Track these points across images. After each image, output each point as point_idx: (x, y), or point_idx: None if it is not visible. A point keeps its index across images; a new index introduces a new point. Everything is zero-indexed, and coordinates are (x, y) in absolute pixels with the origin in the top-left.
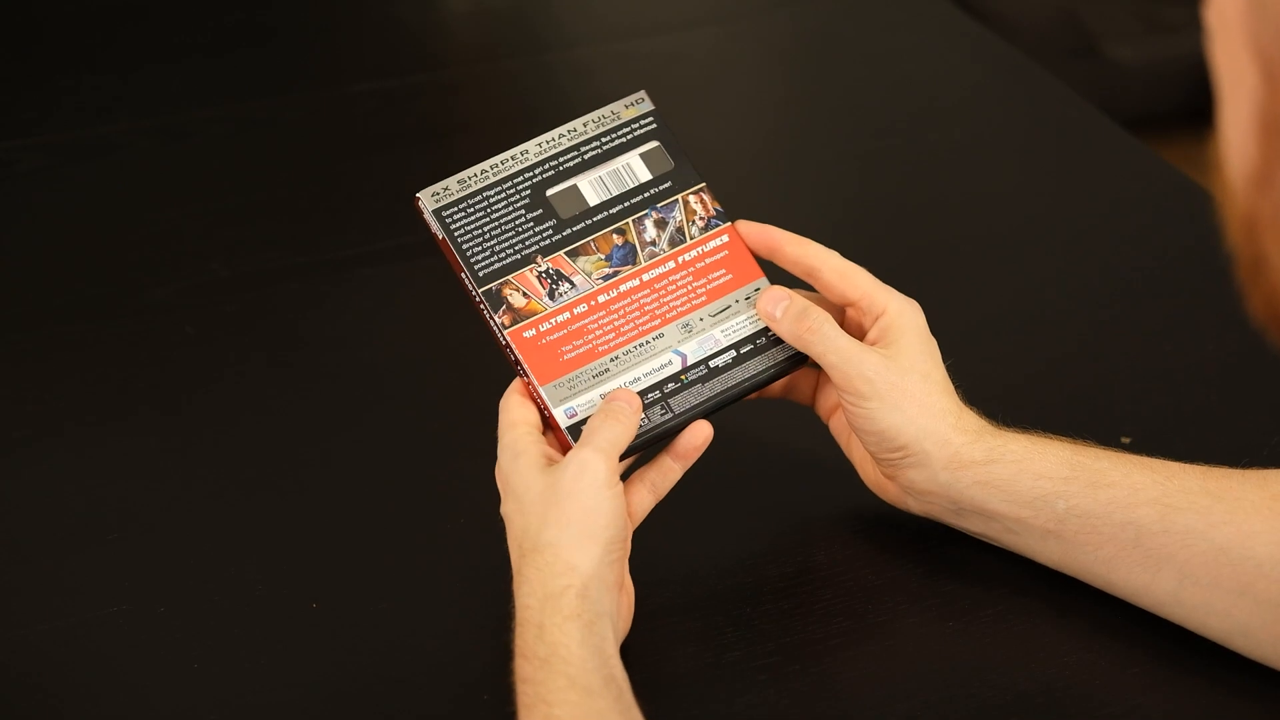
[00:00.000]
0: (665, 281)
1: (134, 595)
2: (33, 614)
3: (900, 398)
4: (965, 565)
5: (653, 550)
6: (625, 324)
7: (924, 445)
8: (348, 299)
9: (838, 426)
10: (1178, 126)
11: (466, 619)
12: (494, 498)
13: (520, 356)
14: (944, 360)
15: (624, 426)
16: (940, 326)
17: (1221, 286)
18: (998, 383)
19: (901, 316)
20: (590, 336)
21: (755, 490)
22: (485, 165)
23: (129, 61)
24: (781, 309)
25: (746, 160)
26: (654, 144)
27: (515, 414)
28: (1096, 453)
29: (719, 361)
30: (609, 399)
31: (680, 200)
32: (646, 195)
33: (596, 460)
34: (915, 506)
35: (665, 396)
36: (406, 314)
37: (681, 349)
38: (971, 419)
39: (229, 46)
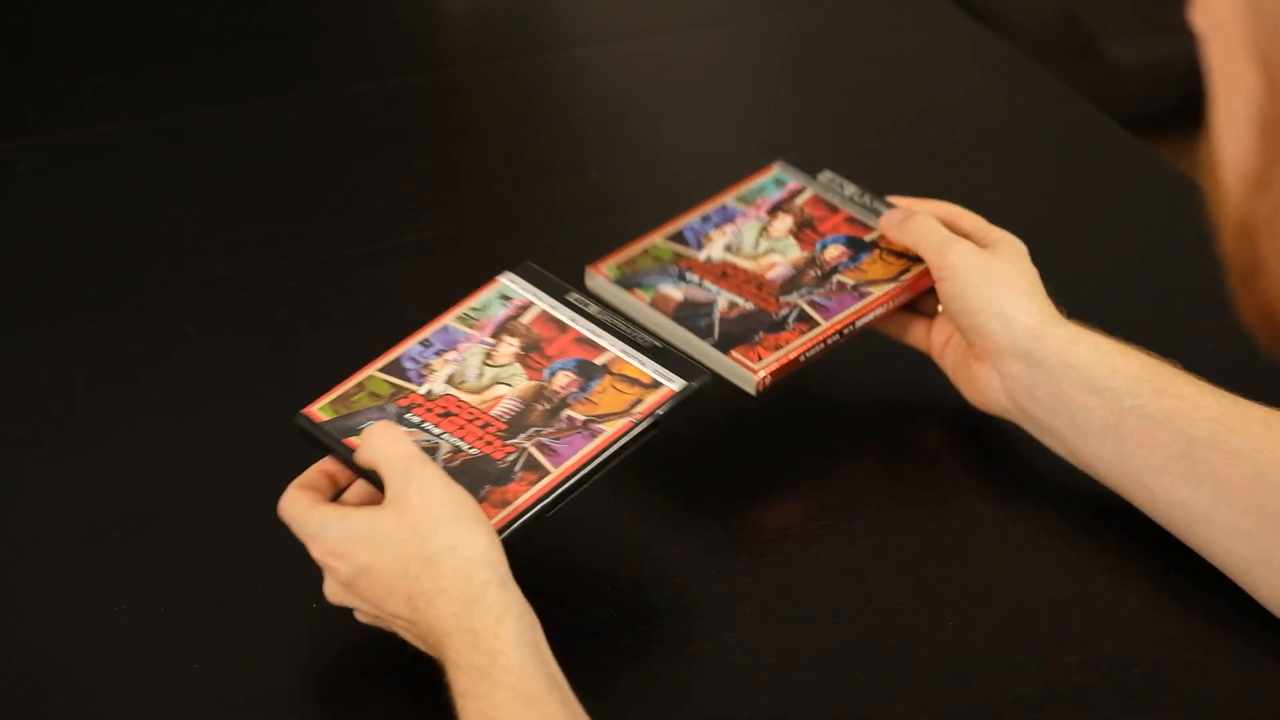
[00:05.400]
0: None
1: (134, 595)
2: (33, 614)
3: (990, 276)
4: (965, 566)
5: (643, 550)
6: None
7: (1006, 309)
8: (348, 299)
9: (947, 357)
10: (1176, 126)
11: None
12: None
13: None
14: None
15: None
16: None
17: (1221, 286)
18: None
19: (1007, 239)
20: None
21: (747, 490)
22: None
23: (129, 61)
24: (892, 217)
25: (746, 161)
26: None
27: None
28: (1174, 370)
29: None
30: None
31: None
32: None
33: (416, 461)
34: (997, 393)
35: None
36: (406, 314)
37: None
38: (1057, 312)
39: (229, 47)
